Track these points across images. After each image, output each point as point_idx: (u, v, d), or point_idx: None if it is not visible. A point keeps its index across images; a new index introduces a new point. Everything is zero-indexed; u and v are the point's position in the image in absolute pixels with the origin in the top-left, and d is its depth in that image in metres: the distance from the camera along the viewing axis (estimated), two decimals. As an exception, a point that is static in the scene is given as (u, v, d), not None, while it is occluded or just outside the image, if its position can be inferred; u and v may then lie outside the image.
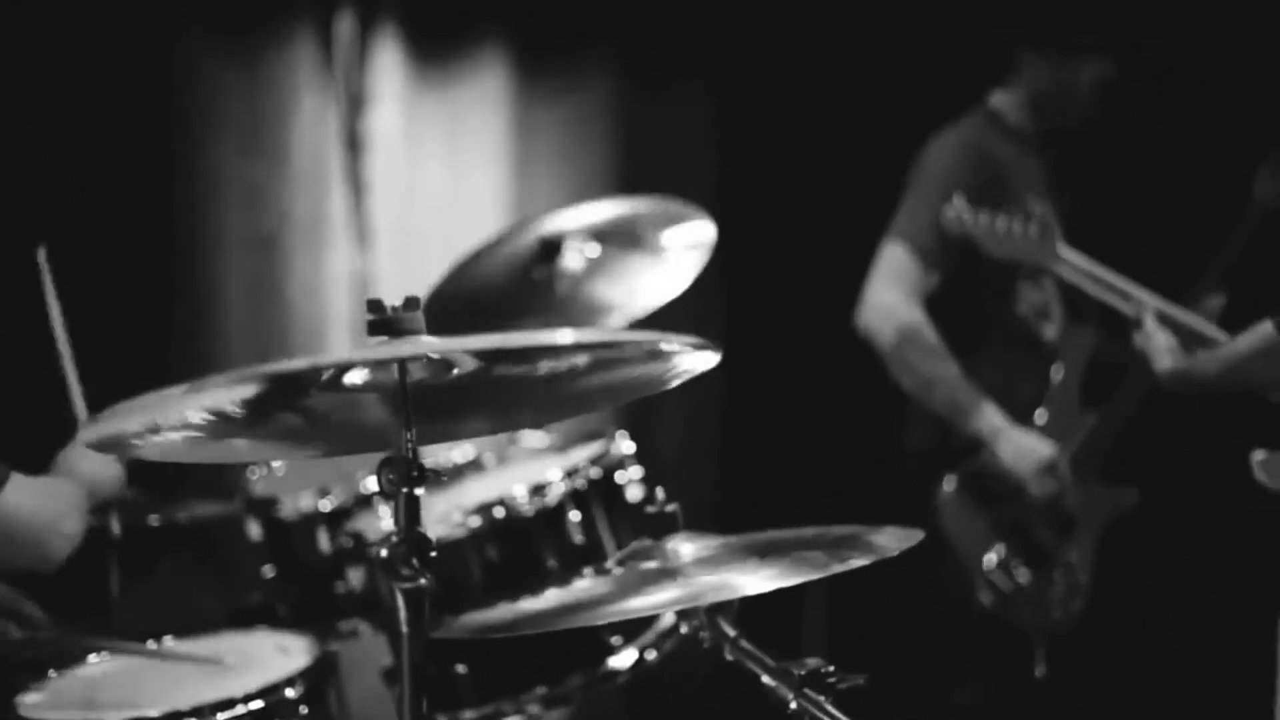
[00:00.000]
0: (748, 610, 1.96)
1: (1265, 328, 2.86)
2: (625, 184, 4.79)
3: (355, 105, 4.39)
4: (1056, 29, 3.51)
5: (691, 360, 1.74)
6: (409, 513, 1.69)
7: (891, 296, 3.44)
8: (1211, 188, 4.06)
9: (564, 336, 1.58)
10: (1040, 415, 3.53)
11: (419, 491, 1.70)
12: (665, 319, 4.72)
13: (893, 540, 1.86)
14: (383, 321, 1.72)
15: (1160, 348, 3.06)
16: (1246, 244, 3.30)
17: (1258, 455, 3.14)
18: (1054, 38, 3.51)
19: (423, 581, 1.68)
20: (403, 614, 1.68)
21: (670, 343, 1.68)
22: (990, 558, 3.42)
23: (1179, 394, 3.15)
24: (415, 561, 1.69)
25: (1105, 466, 3.54)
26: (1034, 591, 3.43)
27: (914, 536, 1.87)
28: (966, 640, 3.54)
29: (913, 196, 3.49)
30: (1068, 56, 3.50)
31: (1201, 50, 4.09)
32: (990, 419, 3.41)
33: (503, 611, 1.96)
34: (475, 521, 2.51)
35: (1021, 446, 3.40)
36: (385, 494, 1.72)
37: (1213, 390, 3.12)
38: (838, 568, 1.76)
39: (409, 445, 1.70)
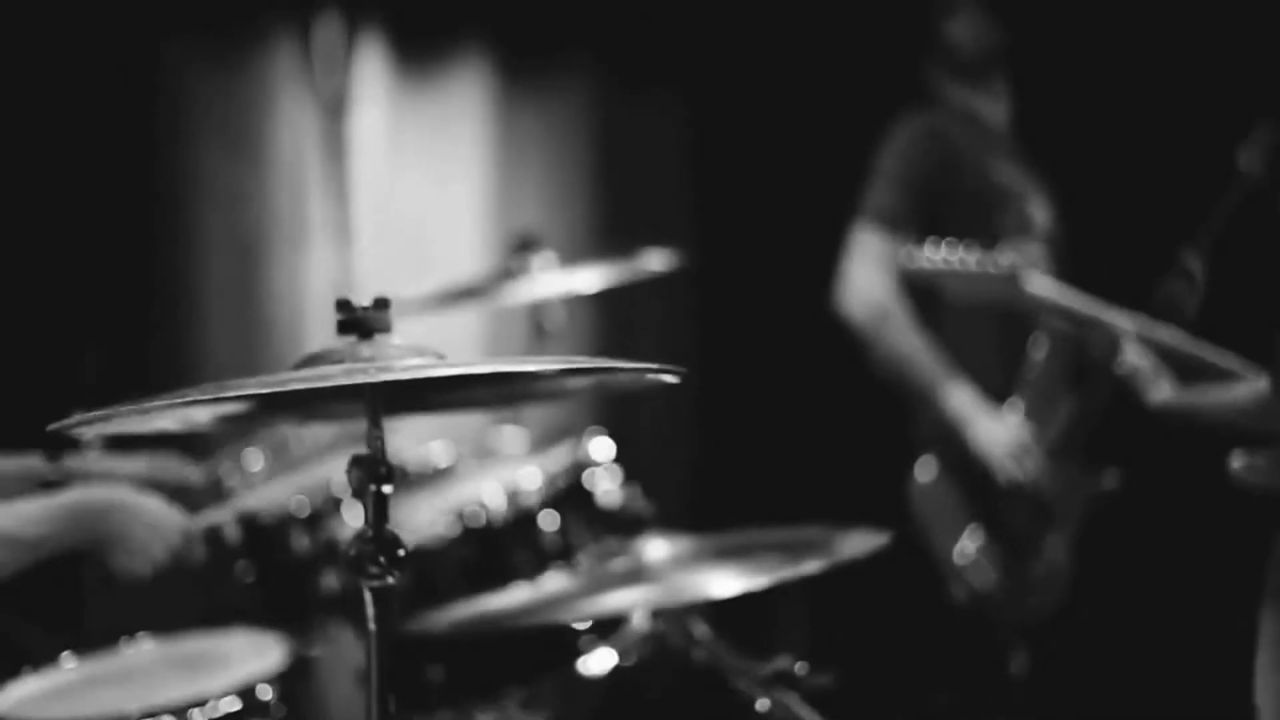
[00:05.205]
0: (723, 610, 1.97)
1: (1261, 385, 2.81)
2: (604, 189, 4.81)
3: (337, 108, 4.40)
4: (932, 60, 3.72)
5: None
6: (378, 511, 1.70)
7: (867, 277, 3.52)
8: (1195, 170, 4.06)
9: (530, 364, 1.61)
10: (1018, 399, 3.40)
11: (387, 490, 1.70)
12: (641, 321, 4.77)
13: (861, 543, 1.88)
14: (352, 321, 1.73)
15: (1149, 378, 2.98)
16: (1232, 216, 3.25)
17: (1236, 457, 3.12)
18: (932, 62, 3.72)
19: (391, 580, 1.68)
20: (371, 613, 1.69)
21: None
22: (964, 549, 3.33)
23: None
24: (384, 560, 1.69)
25: (1085, 450, 3.40)
26: (1009, 584, 3.33)
27: (880, 539, 1.88)
28: (938, 637, 3.49)
29: (876, 175, 3.60)
30: (931, 48, 3.70)
31: (1179, 30, 4.10)
32: (962, 402, 3.33)
33: (474, 609, 1.97)
34: (451, 522, 2.52)
35: (994, 431, 3.31)
36: (354, 493, 1.72)
37: (1206, 429, 3.08)
38: (793, 573, 1.77)
39: (378, 444, 1.70)
